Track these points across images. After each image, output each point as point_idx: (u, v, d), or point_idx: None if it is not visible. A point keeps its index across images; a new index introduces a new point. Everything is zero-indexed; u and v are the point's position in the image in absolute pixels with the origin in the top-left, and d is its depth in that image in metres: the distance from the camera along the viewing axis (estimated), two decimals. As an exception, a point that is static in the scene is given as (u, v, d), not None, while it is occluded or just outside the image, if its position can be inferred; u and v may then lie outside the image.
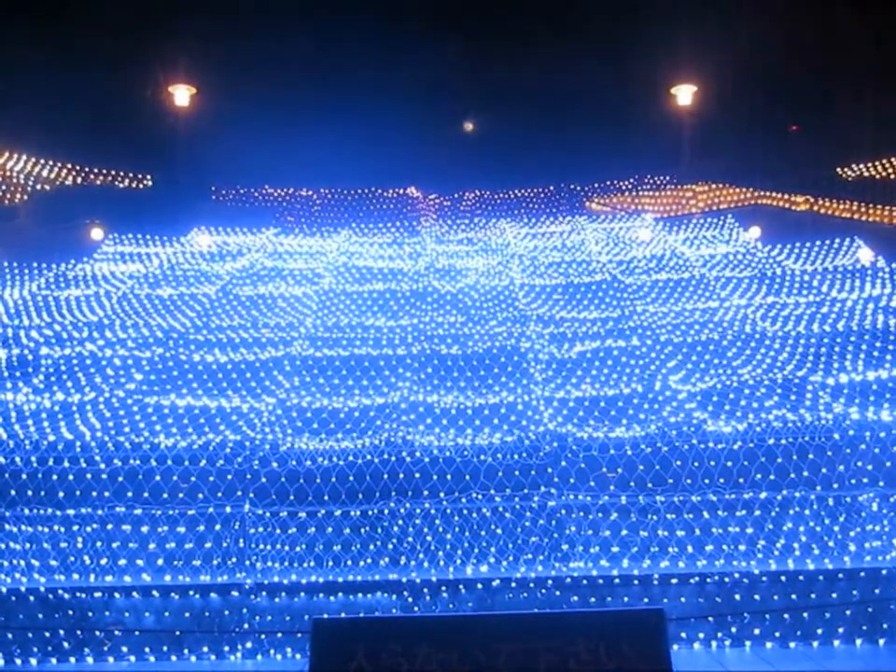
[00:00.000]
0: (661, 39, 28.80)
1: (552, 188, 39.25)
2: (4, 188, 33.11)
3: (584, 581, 12.19)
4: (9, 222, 30.82)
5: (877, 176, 34.90)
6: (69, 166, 36.06)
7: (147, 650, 11.83)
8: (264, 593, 12.20)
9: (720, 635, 11.77)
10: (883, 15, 28.13)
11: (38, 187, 34.30)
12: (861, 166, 35.12)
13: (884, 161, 34.69)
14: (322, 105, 31.82)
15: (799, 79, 31.59)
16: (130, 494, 13.46)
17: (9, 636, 11.83)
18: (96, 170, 37.02)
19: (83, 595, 12.14)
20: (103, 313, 22.22)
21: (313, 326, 21.12)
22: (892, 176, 34.51)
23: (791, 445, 13.61)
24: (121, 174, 37.63)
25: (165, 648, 11.86)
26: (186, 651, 11.88)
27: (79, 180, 36.42)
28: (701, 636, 11.78)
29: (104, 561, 12.69)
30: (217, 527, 12.95)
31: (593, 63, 30.39)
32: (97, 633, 11.89)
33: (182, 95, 31.44)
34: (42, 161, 35.07)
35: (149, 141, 33.86)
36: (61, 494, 13.50)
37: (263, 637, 11.91)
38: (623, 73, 30.50)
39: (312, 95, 31.86)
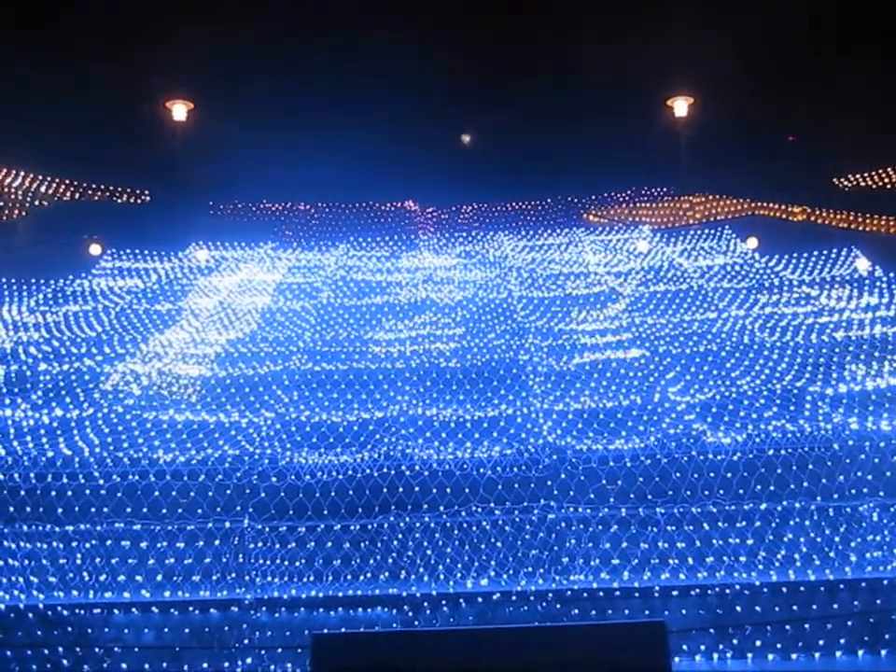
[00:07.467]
0: (657, 51, 28.89)
1: (549, 200, 39.19)
2: (2, 204, 33.10)
3: (585, 594, 12.19)
4: (8, 238, 30.80)
5: (874, 186, 34.95)
6: (67, 182, 36.03)
7: (146, 666, 11.81)
8: (264, 608, 12.18)
9: (721, 647, 11.75)
10: (879, 25, 28.25)
11: (36, 203, 34.30)
12: (858, 176, 35.18)
13: (880, 171, 34.74)
14: (320, 120, 31.86)
15: (795, 89, 31.68)
16: (129, 509, 13.45)
17: (8, 653, 11.80)
18: (94, 186, 37.01)
19: (82, 612, 12.13)
20: (101, 328, 22.21)
21: (311, 340, 21.12)
22: (889, 186, 34.55)
23: (791, 456, 13.61)
24: (119, 189, 37.59)
25: (165, 664, 11.85)
26: (185, 667, 11.86)
27: (77, 196, 36.41)
28: (702, 648, 11.76)
29: (102, 577, 12.66)
30: (217, 542, 12.93)
31: (589, 75, 30.46)
32: (96, 650, 11.87)
33: (180, 111, 31.50)
34: (40, 177, 35.05)
35: (147, 156, 33.85)
36: (59, 510, 13.47)
37: (263, 652, 11.89)
38: (620, 84, 30.56)
39: (310, 110, 31.91)
